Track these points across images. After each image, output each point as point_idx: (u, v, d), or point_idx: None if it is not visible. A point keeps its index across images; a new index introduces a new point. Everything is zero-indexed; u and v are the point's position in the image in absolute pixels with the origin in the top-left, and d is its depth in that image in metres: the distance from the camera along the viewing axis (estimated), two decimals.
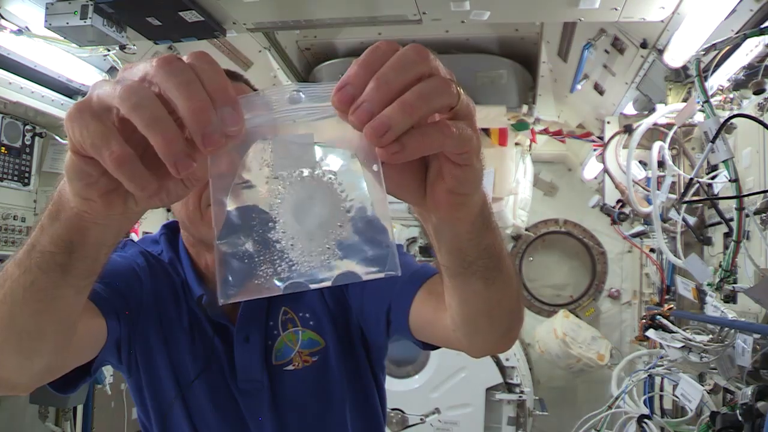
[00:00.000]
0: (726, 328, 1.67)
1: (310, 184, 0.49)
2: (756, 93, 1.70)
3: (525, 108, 3.18)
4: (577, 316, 4.09)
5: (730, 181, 1.61)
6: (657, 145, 2.13)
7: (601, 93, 2.90)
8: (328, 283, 0.48)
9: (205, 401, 1.03)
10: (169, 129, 0.45)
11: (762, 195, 1.67)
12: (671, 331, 1.89)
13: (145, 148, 0.47)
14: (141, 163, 0.46)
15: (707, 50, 1.72)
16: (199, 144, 0.45)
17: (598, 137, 3.00)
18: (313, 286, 0.48)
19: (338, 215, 0.49)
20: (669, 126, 2.14)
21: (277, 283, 0.48)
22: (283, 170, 0.49)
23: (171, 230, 1.15)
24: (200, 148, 0.45)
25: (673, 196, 2.13)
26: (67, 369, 0.81)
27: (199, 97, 0.45)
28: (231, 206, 0.48)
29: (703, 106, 1.67)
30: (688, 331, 1.87)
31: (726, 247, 1.90)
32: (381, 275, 0.49)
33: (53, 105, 2.65)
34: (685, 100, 2.15)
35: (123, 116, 0.46)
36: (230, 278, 0.47)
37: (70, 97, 2.70)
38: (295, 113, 0.48)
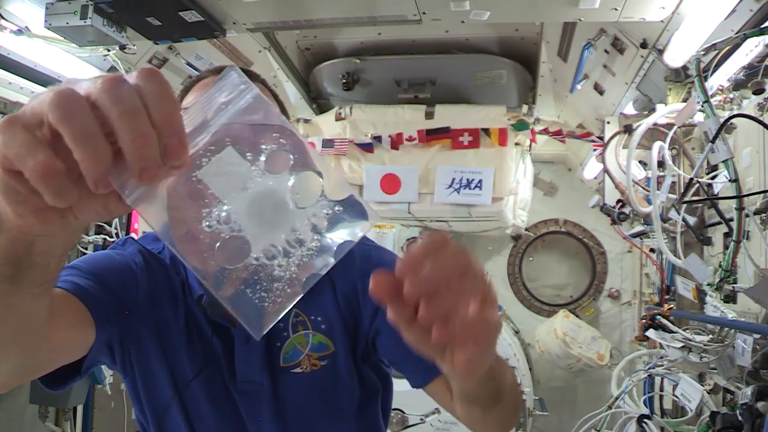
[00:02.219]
0: (726, 328, 1.67)
1: (263, 192, 0.49)
2: (756, 93, 1.70)
3: (525, 108, 3.19)
4: (577, 316, 4.09)
5: (730, 181, 1.61)
6: (657, 145, 2.13)
7: (601, 93, 2.90)
8: (331, 260, 0.51)
9: (203, 402, 1.03)
10: (98, 147, 0.43)
11: (762, 195, 1.67)
12: (671, 331, 1.89)
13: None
14: (67, 178, 0.44)
15: (707, 50, 1.72)
16: (135, 176, 0.44)
17: (598, 137, 3.00)
18: (323, 272, 0.50)
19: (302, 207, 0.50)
20: (669, 126, 2.13)
21: (292, 289, 0.49)
22: (227, 192, 0.49)
23: None
24: (137, 180, 0.44)
25: (673, 196, 2.13)
26: (48, 368, 0.81)
27: (143, 131, 0.43)
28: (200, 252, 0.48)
29: (703, 106, 1.67)
30: (688, 331, 1.87)
31: (726, 247, 1.90)
32: (367, 223, 0.51)
33: None
34: (685, 100, 2.14)
35: (55, 130, 0.43)
36: (250, 315, 0.49)
37: None
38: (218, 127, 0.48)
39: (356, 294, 1.07)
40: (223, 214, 0.49)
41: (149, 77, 0.45)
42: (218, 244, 0.48)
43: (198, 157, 0.48)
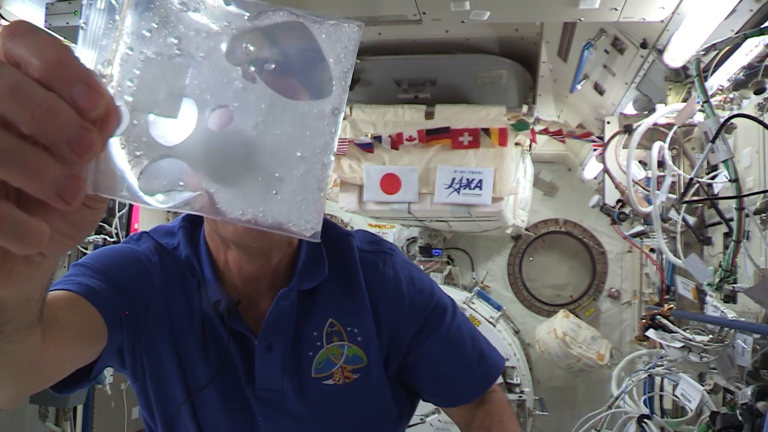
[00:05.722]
0: (726, 328, 1.67)
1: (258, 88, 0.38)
2: (756, 93, 1.70)
3: (525, 108, 3.18)
4: (577, 316, 4.09)
5: (730, 181, 1.61)
6: (657, 145, 2.13)
7: (601, 93, 2.90)
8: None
9: (216, 407, 1.00)
10: (27, 158, 0.31)
11: (762, 195, 1.67)
12: (671, 331, 1.90)
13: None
14: (21, 213, 0.33)
15: (707, 50, 1.72)
16: (69, 157, 0.32)
17: (598, 137, 3.00)
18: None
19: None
20: (669, 126, 2.13)
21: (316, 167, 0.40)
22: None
23: (192, 223, 1.06)
24: (73, 161, 0.33)
25: (673, 196, 2.13)
26: (56, 379, 0.79)
27: (37, 99, 0.31)
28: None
29: (703, 106, 1.67)
30: (688, 331, 1.87)
31: (726, 247, 1.90)
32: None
33: None
34: (685, 100, 2.15)
35: None
36: (294, 220, 0.38)
37: None
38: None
39: (399, 313, 1.06)
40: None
41: (13, 31, 0.33)
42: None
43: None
